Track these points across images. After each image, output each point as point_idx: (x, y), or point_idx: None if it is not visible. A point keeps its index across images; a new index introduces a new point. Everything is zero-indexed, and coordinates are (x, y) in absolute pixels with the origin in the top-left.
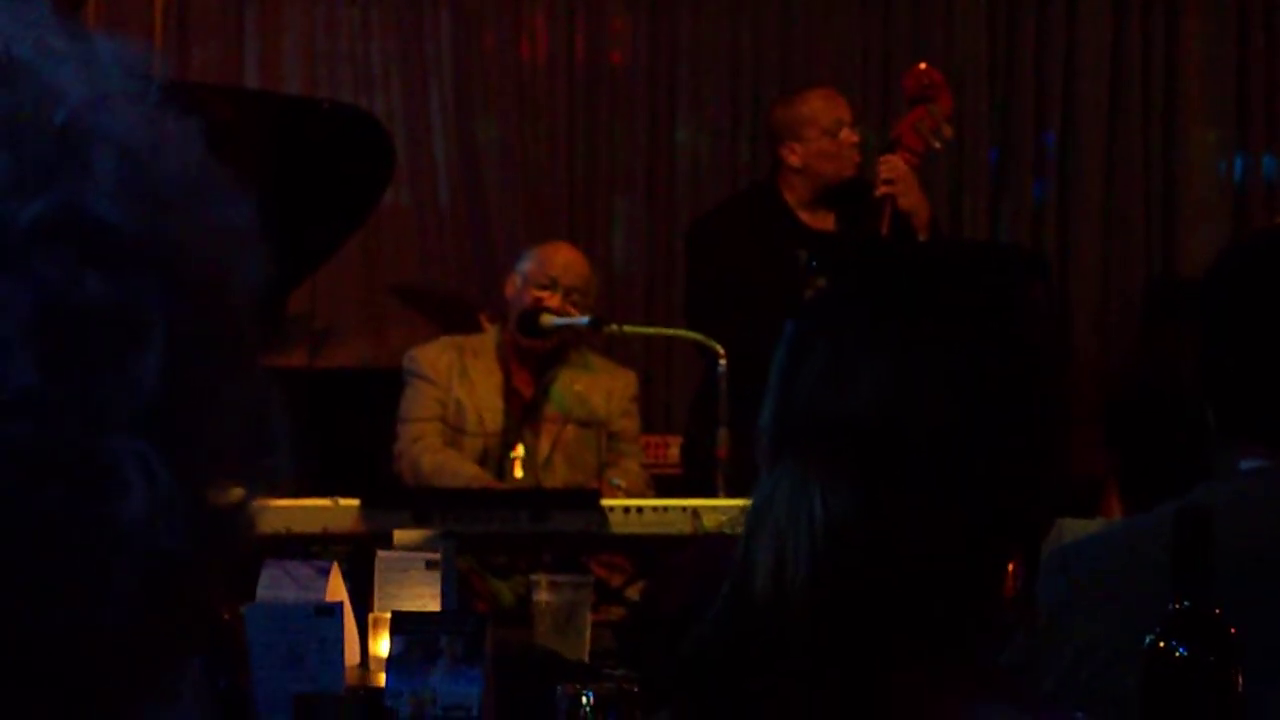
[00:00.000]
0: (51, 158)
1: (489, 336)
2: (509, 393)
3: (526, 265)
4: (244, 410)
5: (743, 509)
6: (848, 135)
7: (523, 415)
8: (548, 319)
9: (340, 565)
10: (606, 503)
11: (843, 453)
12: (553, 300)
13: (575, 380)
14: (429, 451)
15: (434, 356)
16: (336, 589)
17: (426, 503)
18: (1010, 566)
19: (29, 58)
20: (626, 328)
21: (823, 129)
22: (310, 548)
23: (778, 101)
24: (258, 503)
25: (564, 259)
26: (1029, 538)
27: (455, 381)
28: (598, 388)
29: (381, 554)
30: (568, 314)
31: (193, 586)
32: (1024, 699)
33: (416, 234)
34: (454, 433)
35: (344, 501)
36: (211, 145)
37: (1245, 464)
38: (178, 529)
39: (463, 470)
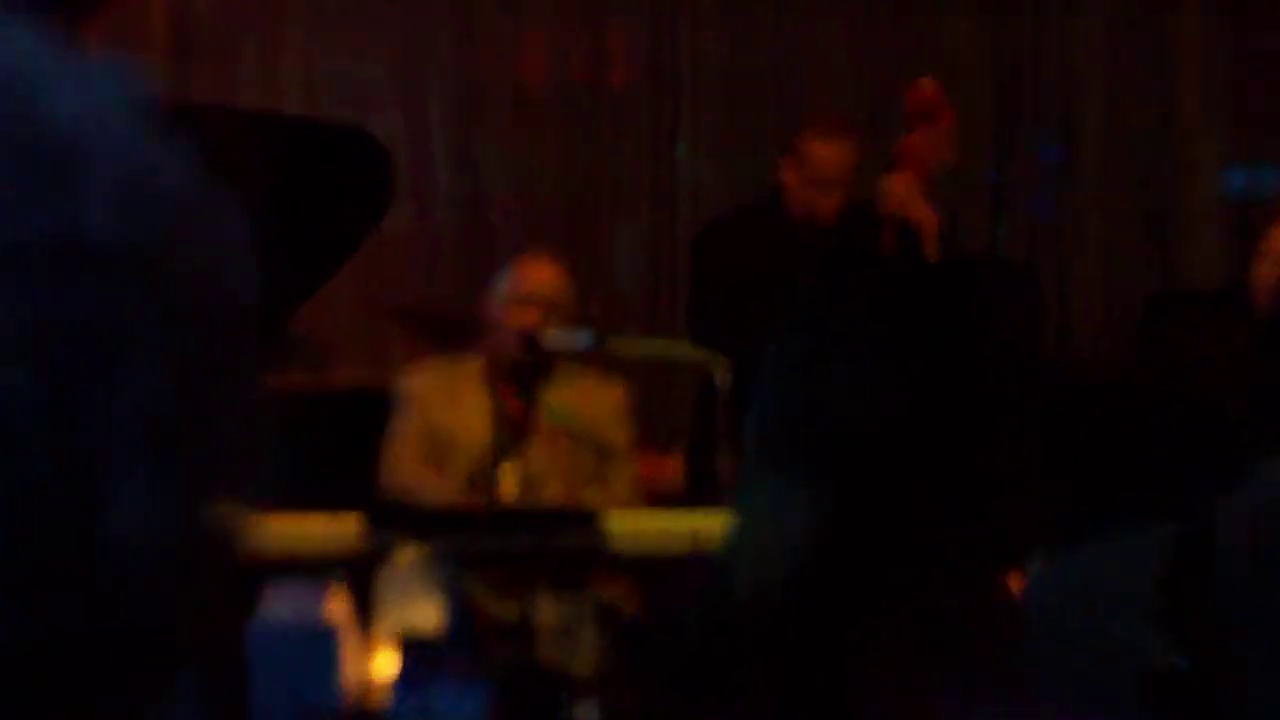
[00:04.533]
0: (49, 175)
1: (475, 360)
2: (497, 413)
3: (502, 284)
4: (239, 428)
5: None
6: (832, 199)
7: (512, 434)
8: (548, 338)
9: (341, 584)
10: (608, 522)
11: (823, 458)
12: (532, 317)
13: (565, 393)
14: (403, 474)
15: (419, 380)
16: (337, 609)
17: (428, 521)
18: (1002, 575)
19: (27, 75)
20: (626, 347)
21: (813, 179)
22: (311, 567)
23: (807, 112)
24: (251, 519)
25: (538, 274)
26: (1018, 546)
27: (442, 404)
28: (588, 399)
29: (383, 573)
30: (552, 330)
31: (183, 602)
32: (1017, 700)
33: (416, 255)
34: (440, 456)
35: (345, 520)
36: (209, 164)
37: None
38: (168, 544)
39: (438, 488)
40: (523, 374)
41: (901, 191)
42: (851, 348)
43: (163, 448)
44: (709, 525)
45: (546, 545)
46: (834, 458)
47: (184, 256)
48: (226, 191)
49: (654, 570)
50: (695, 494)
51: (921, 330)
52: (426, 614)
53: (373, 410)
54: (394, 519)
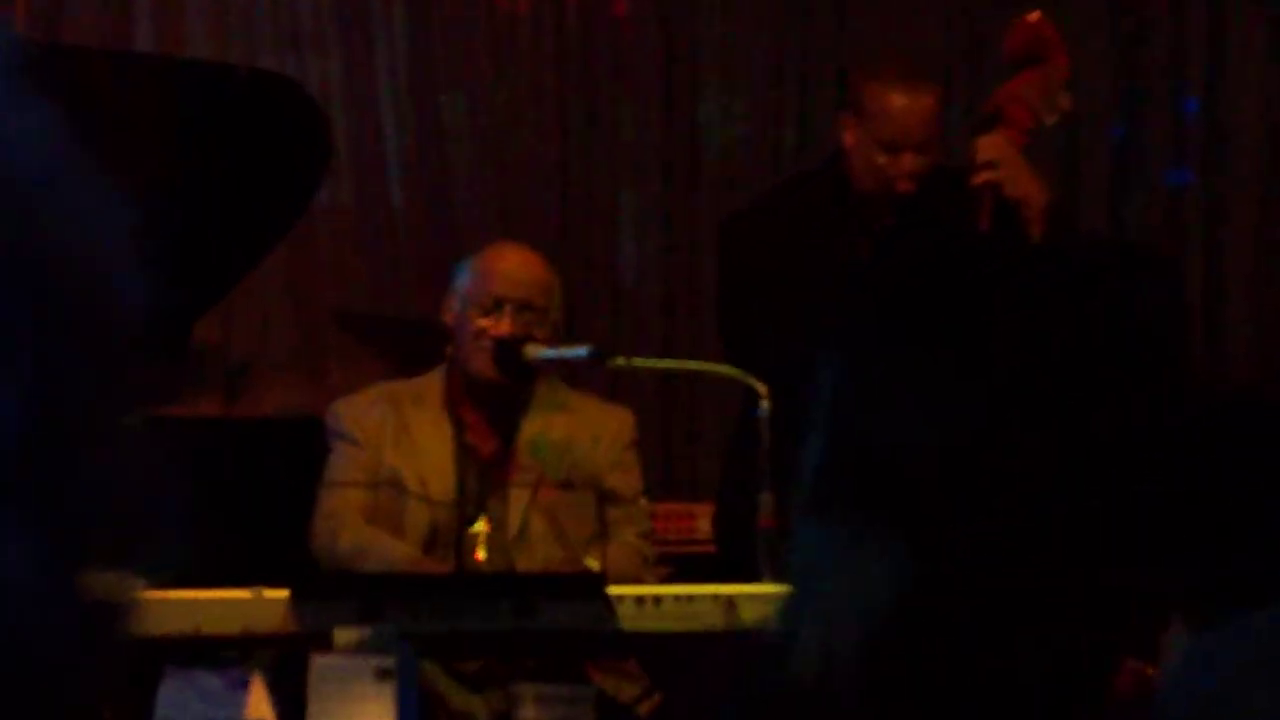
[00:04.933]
0: None
1: (433, 379)
2: (462, 450)
3: (463, 281)
4: (127, 467)
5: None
6: (910, 161)
7: (482, 478)
8: (533, 350)
9: (263, 676)
10: (614, 591)
11: (907, 504)
12: (501, 326)
13: (550, 425)
14: (346, 529)
15: (359, 411)
16: (259, 706)
17: (376, 593)
18: (1122, 659)
19: None
20: (637, 361)
21: (882, 139)
22: (224, 653)
23: (860, 50)
24: (143, 589)
25: (508, 266)
26: (1153, 615)
27: (389, 441)
28: (582, 433)
29: (318, 660)
30: (538, 341)
31: (55, 695)
32: None
33: (363, 242)
34: (392, 507)
35: (269, 593)
36: (87, 127)
37: None
38: (37, 620)
39: (389, 552)
40: (496, 399)
41: (999, 155)
42: (936, 360)
43: (34, 493)
44: (748, 593)
45: (530, 623)
46: (918, 499)
47: (45, 241)
48: (109, 159)
49: (673, 653)
50: (729, 553)
51: (1028, 336)
52: (373, 715)
53: (305, 448)
54: (331, 591)
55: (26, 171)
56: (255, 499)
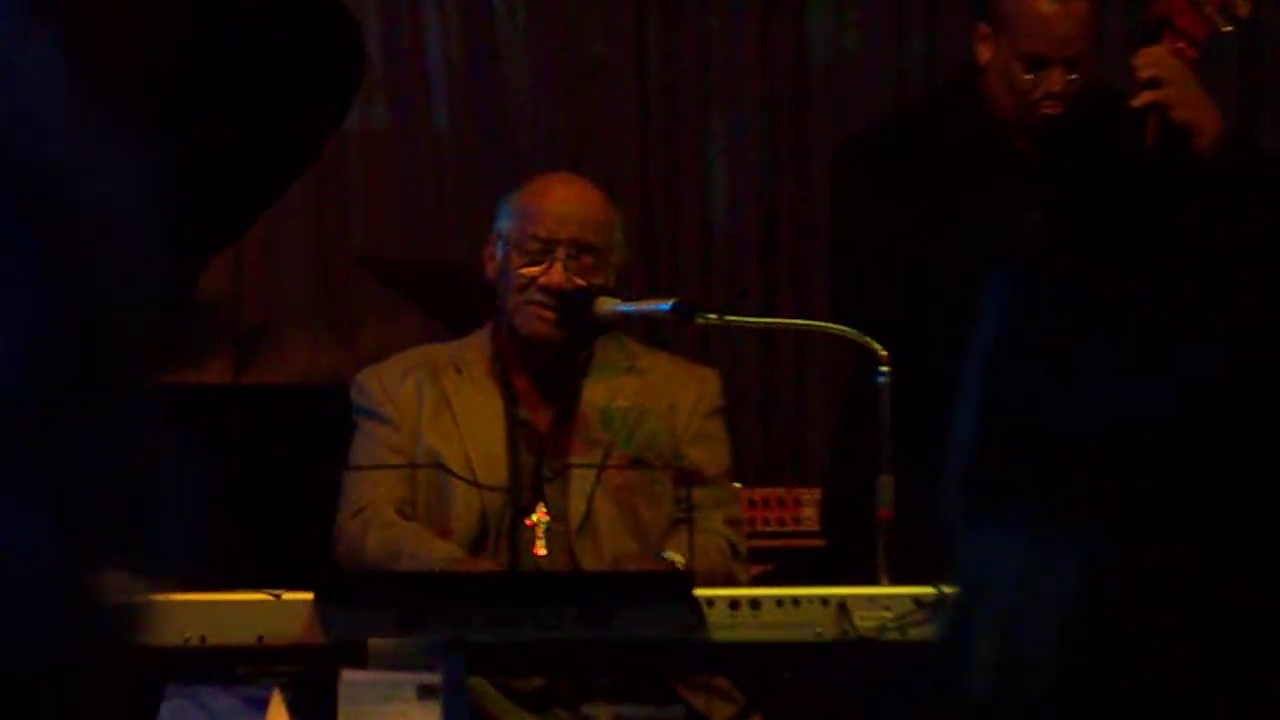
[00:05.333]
0: None
1: (477, 341)
2: (514, 425)
3: (504, 224)
4: (134, 441)
5: (926, 598)
6: (1059, 79)
7: (539, 458)
8: (606, 305)
9: (283, 693)
10: (703, 593)
11: (1104, 487)
12: (553, 274)
13: (618, 391)
14: (376, 526)
15: (390, 382)
16: None
17: (418, 597)
18: None
19: None
20: (731, 318)
21: (1025, 52)
22: (238, 667)
23: None
24: (150, 592)
25: (555, 202)
26: None
27: (428, 417)
28: (656, 399)
29: (349, 675)
30: (608, 291)
31: (46, 694)
32: None
33: (400, 175)
34: (432, 497)
35: (289, 596)
36: (82, 37)
37: None
38: (31, 610)
39: (428, 552)
40: (552, 364)
41: (1165, 71)
42: (1113, 309)
43: (16, 455)
44: (864, 595)
45: (604, 632)
46: (1122, 484)
47: (51, 173)
48: (112, 80)
49: (773, 666)
50: (840, 548)
51: (1218, 274)
52: None
53: (330, 423)
54: (363, 595)
55: (33, 105)
56: (272, 484)
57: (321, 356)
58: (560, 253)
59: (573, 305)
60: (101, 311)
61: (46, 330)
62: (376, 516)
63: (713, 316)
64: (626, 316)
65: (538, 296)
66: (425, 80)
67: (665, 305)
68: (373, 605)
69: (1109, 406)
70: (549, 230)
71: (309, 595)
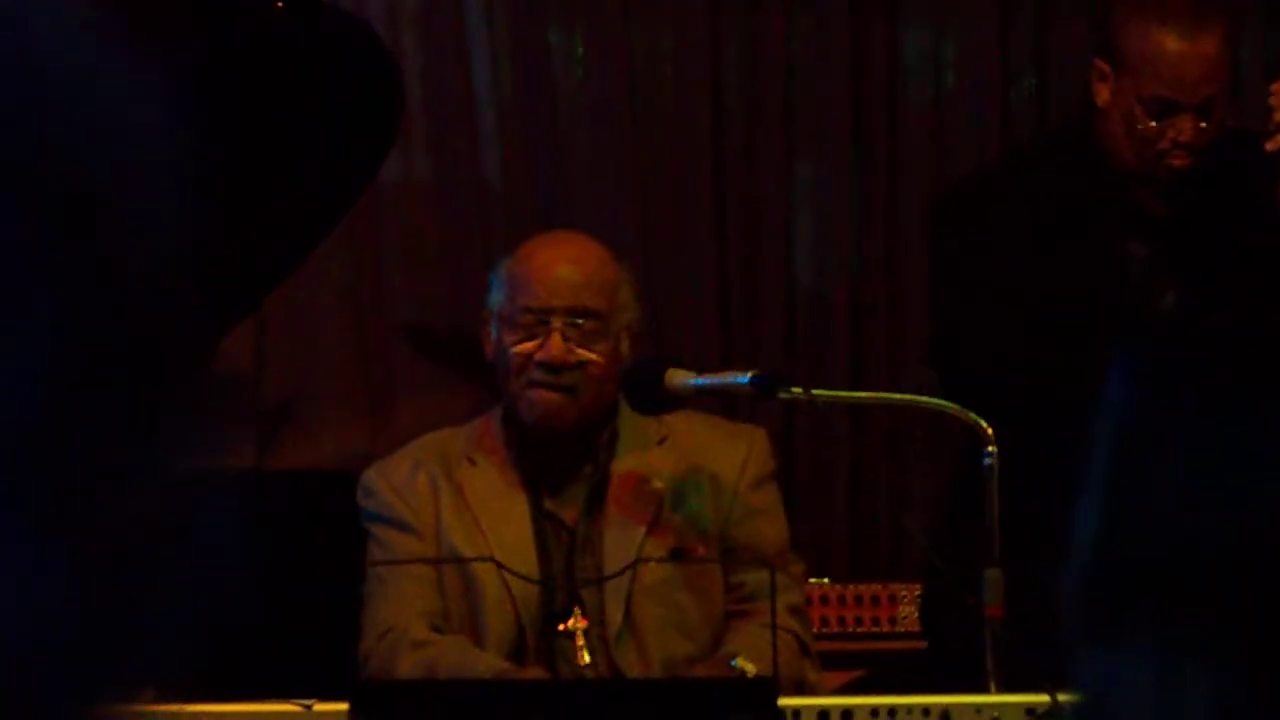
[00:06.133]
0: None
1: (490, 428)
2: (541, 520)
3: (495, 298)
4: (161, 492)
5: (1040, 707)
6: (1188, 127)
7: (570, 555)
8: (678, 378)
9: None
10: (789, 703)
11: (1245, 611)
12: (552, 349)
13: (649, 468)
14: (407, 647)
15: (400, 479)
16: None
17: (460, 707)
18: None
19: None
20: (818, 392)
21: (1149, 96)
22: None
23: None
24: (152, 703)
25: (547, 265)
26: None
27: (447, 514)
28: (694, 473)
29: None
30: (681, 366)
31: None
32: None
33: (445, 232)
34: (464, 606)
35: (322, 706)
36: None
37: None
38: (35, 680)
39: (472, 666)
40: (570, 446)
41: None
42: (1258, 408)
43: (32, 488)
44: (970, 704)
45: None
46: (1253, 602)
47: (70, 163)
48: (150, 66)
49: None
50: (943, 650)
51: None
52: None
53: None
54: (402, 705)
55: (47, 48)
56: (300, 580)
57: (355, 438)
58: (557, 322)
59: (639, 381)
60: (134, 325)
61: (67, 349)
62: (406, 636)
63: (797, 390)
64: (700, 390)
65: (538, 375)
66: (472, 124)
67: (744, 378)
68: (411, 716)
69: (1253, 519)
70: (541, 299)
71: (343, 705)
